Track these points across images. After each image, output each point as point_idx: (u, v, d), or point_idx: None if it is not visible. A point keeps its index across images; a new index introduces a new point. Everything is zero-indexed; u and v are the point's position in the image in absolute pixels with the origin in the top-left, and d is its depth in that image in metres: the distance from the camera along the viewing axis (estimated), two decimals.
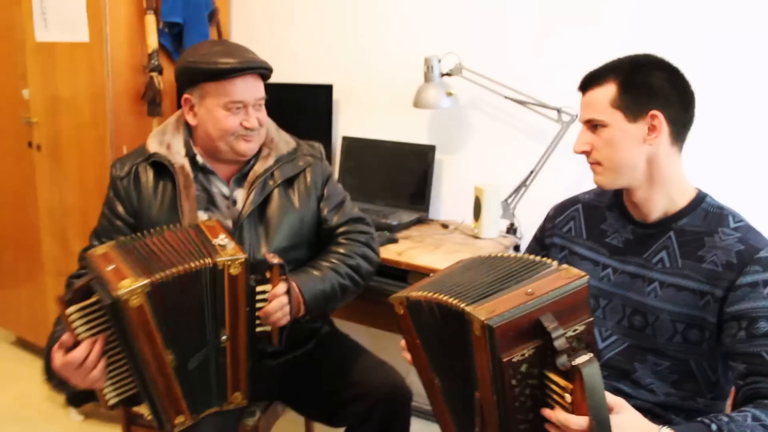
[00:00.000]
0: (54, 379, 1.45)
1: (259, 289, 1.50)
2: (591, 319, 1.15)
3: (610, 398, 1.11)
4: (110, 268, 1.36)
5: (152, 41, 2.61)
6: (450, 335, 1.21)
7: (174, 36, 2.74)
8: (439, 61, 2.41)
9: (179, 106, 1.76)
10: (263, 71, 1.69)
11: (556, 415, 1.10)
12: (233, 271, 1.42)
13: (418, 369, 1.35)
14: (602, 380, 1.07)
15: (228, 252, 1.43)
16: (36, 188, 2.86)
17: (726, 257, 1.30)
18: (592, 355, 1.09)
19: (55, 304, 1.63)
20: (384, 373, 1.77)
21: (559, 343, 1.08)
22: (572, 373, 1.08)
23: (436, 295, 1.21)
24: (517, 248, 2.36)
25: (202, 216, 1.68)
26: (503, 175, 2.46)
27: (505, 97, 2.35)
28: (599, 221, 1.50)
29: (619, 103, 1.32)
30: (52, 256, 2.90)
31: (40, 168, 2.82)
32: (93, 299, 1.35)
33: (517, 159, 2.45)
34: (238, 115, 1.65)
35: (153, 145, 1.72)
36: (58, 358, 1.36)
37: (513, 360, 1.10)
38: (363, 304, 2.16)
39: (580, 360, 1.06)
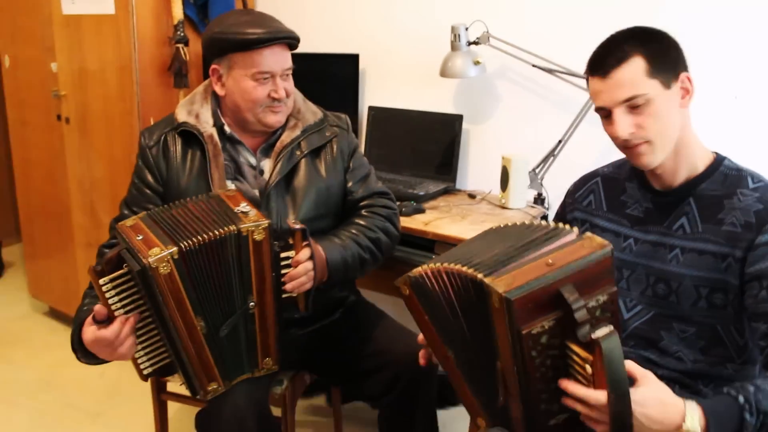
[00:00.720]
0: (81, 350, 1.49)
1: (282, 255, 1.53)
2: (615, 289, 1.14)
3: (636, 370, 1.11)
4: (139, 238, 1.40)
5: (177, 12, 2.63)
6: (463, 304, 1.22)
7: (199, 7, 2.76)
8: (466, 29, 2.40)
9: (206, 77, 1.78)
10: (291, 41, 1.69)
11: (575, 389, 1.11)
12: (257, 236, 1.45)
13: (431, 345, 1.36)
14: (622, 353, 1.06)
15: (251, 218, 1.46)
16: (65, 161, 2.92)
17: (745, 217, 1.29)
18: (612, 327, 1.07)
19: (85, 275, 1.68)
20: (410, 341, 1.78)
21: (580, 315, 1.07)
22: (592, 346, 1.07)
23: (451, 266, 1.20)
24: (545, 218, 2.37)
25: (230, 186, 1.71)
26: (531, 145, 2.46)
27: (533, 66, 2.34)
28: (619, 193, 1.49)
29: (653, 72, 1.27)
30: (82, 227, 2.96)
31: (69, 140, 2.87)
32: (124, 270, 1.38)
33: (545, 128, 2.45)
34: (265, 86, 1.67)
35: (182, 115, 1.74)
36: (90, 332, 1.40)
37: (532, 332, 1.09)
38: (390, 274, 2.18)
39: (599, 333, 1.05)
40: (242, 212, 1.47)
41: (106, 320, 1.39)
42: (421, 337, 1.37)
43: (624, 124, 1.30)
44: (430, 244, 2.12)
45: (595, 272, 1.11)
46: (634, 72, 1.27)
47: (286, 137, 1.75)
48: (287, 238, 1.56)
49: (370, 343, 1.80)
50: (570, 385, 1.12)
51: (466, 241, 1.39)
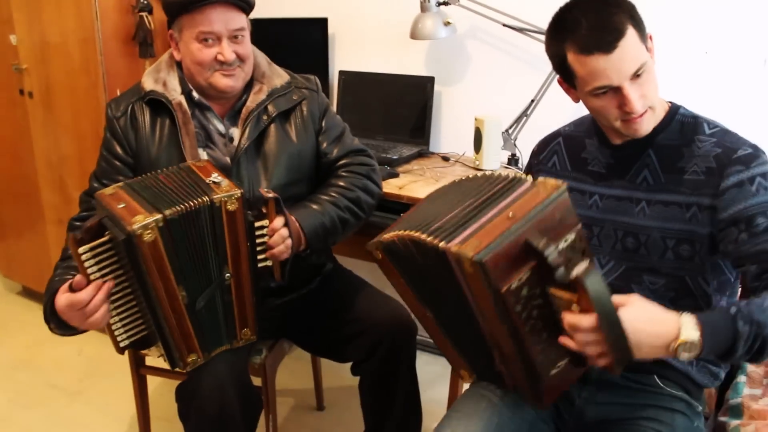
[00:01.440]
0: (54, 321, 1.48)
1: (257, 224, 1.53)
2: (579, 225, 1.16)
3: (620, 297, 1.13)
4: (121, 206, 1.39)
5: None
6: (432, 268, 1.23)
7: None
8: None
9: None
10: (234, 1, 1.63)
11: (566, 318, 1.13)
12: (230, 207, 1.45)
13: (409, 305, 1.39)
14: (605, 283, 1.08)
15: (223, 189, 1.46)
16: (31, 137, 2.88)
17: (705, 164, 1.31)
18: (588, 261, 1.11)
19: (58, 253, 1.68)
20: (388, 307, 1.81)
21: (552, 258, 1.09)
22: (574, 285, 1.10)
23: (410, 233, 1.21)
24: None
25: (202, 154, 1.70)
26: (503, 105, 2.47)
27: (504, 25, 2.34)
28: (579, 150, 1.50)
29: (641, 39, 1.27)
30: (51, 204, 2.94)
31: (34, 116, 2.84)
32: (104, 238, 1.37)
33: (517, 88, 2.45)
34: (212, 48, 1.64)
35: (148, 83, 1.72)
36: (63, 298, 1.39)
37: (512, 287, 1.10)
38: (365, 240, 2.20)
39: (578, 270, 1.08)
40: (214, 182, 1.47)
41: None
42: None
43: (636, 96, 1.27)
44: (405, 208, 2.11)
45: (555, 214, 1.13)
46: (633, 43, 1.25)
47: (252, 102, 1.73)
48: (260, 206, 1.56)
49: (349, 310, 1.82)
50: (563, 339, 1.14)
51: (426, 197, 1.40)
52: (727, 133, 1.34)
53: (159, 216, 1.37)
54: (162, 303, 1.43)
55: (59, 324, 1.48)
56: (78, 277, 1.38)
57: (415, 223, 1.24)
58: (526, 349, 1.17)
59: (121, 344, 1.50)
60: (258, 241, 1.54)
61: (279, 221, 1.55)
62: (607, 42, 1.23)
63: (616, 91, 1.28)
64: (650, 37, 1.31)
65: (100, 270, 1.39)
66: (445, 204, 1.27)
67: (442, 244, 1.13)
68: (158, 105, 1.71)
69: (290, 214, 1.63)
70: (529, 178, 1.19)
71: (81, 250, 1.35)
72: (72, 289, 1.39)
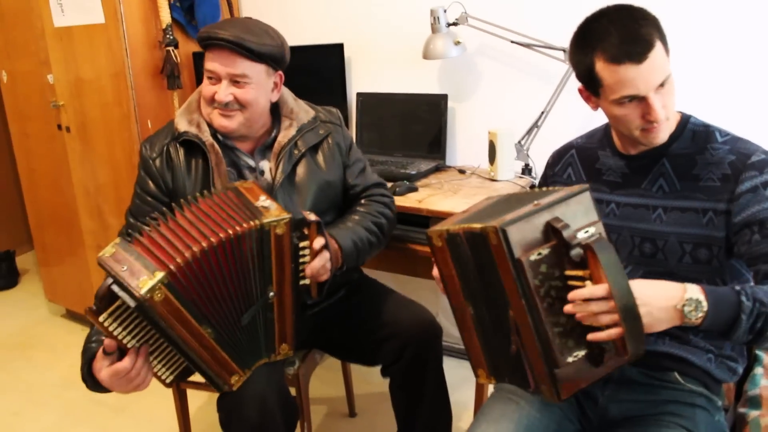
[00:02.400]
0: (90, 381, 1.48)
1: (300, 245, 1.54)
2: (600, 222, 1.19)
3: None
4: (124, 269, 1.33)
5: (165, 16, 2.62)
6: (479, 260, 1.25)
7: (186, 9, 2.75)
8: (445, 11, 2.41)
9: (197, 78, 1.78)
10: (235, 48, 1.60)
11: (577, 293, 1.14)
12: (279, 231, 1.45)
13: (452, 298, 1.39)
14: (614, 249, 1.11)
15: (272, 213, 1.45)
16: (69, 168, 2.92)
17: (720, 171, 1.31)
18: (601, 233, 1.15)
19: (98, 277, 1.67)
20: (414, 311, 1.82)
21: (569, 235, 1.13)
22: (586, 257, 1.13)
23: (464, 225, 1.26)
24: (533, 187, 2.39)
25: None
26: (515, 118, 2.47)
27: (512, 42, 2.35)
28: (593, 162, 1.50)
29: (666, 51, 1.28)
30: (90, 231, 2.98)
31: (71, 148, 2.88)
32: (118, 302, 1.34)
33: (527, 101, 2.46)
34: (214, 86, 1.65)
35: (182, 124, 1.72)
36: (104, 369, 1.39)
37: (531, 258, 1.14)
38: (388, 252, 2.21)
39: (591, 239, 1.13)
40: (263, 206, 1.47)
41: (117, 351, 1.38)
42: (441, 286, 1.40)
43: (659, 105, 1.28)
44: (425, 221, 2.13)
45: (576, 206, 1.19)
46: (661, 55, 1.26)
47: (283, 137, 1.75)
48: (300, 226, 1.56)
49: (377, 316, 1.83)
50: (573, 294, 1.15)
51: (485, 204, 1.44)
52: (739, 140, 1.34)
53: (162, 274, 1.32)
54: (191, 345, 1.41)
55: (96, 385, 1.47)
56: (107, 341, 1.37)
57: (470, 219, 1.30)
58: (543, 329, 1.18)
59: (167, 381, 1.50)
60: (300, 260, 1.56)
61: (319, 242, 1.57)
62: (638, 53, 1.24)
63: (641, 100, 1.28)
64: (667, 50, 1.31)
65: (125, 329, 1.37)
66: (495, 207, 1.34)
67: (479, 225, 1.20)
68: (192, 145, 1.72)
69: (327, 233, 1.64)
70: (561, 187, 1.27)
71: (101, 319, 1.33)
72: (106, 353, 1.38)
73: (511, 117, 2.51)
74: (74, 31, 2.66)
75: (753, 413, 1.40)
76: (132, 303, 1.30)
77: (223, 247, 1.40)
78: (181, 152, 1.73)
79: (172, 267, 1.33)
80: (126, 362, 1.37)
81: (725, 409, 1.46)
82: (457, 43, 2.43)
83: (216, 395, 1.66)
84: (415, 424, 1.87)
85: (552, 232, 1.16)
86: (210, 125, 1.72)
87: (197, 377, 1.90)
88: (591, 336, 1.15)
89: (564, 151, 1.60)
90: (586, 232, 1.17)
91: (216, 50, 1.62)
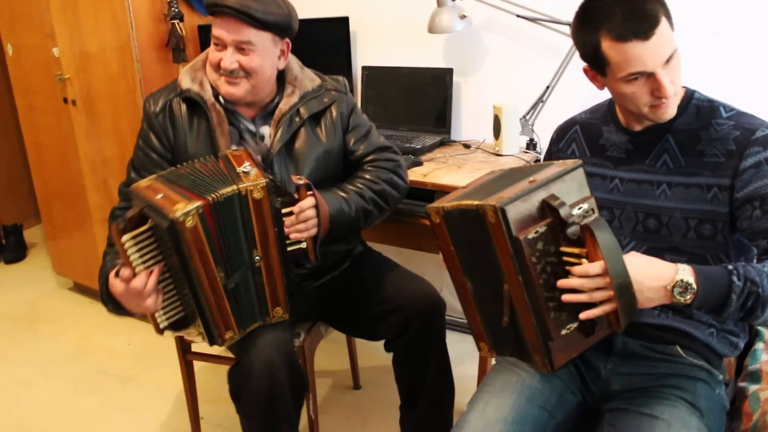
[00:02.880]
0: (111, 303, 1.55)
1: (285, 210, 1.55)
2: (593, 198, 1.22)
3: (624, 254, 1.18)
4: (159, 196, 1.42)
5: None
6: (475, 236, 1.26)
7: None
8: None
9: (202, 51, 1.77)
10: (240, 15, 1.59)
11: (574, 271, 1.17)
12: (256, 195, 1.47)
13: (452, 274, 1.40)
14: (611, 230, 1.14)
15: (250, 178, 1.48)
16: (76, 142, 2.92)
17: (725, 147, 1.30)
18: (595, 212, 1.18)
19: (103, 250, 1.71)
20: (418, 285, 1.82)
21: (565, 213, 1.16)
22: (583, 236, 1.15)
23: (461, 202, 1.27)
24: (537, 161, 2.38)
25: None
26: (520, 93, 2.45)
27: (517, 16, 2.32)
28: (597, 137, 1.50)
29: (671, 26, 1.26)
30: (97, 205, 2.99)
31: (78, 122, 2.88)
32: (145, 227, 1.41)
33: (532, 76, 2.44)
34: (220, 53, 1.65)
35: (186, 81, 1.73)
36: (118, 285, 1.45)
37: (528, 237, 1.16)
38: (392, 226, 2.21)
39: (588, 220, 1.15)
40: (243, 172, 1.50)
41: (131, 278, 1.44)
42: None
43: (668, 81, 1.26)
44: (430, 195, 2.13)
45: (570, 182, 1.21)
46: (666, 30, 1.24)
47: (284, 104, 1.74)
48: (291, 193, 1.58)
49: (381, 290, 1.83)
50: (566, 281, 1.18)
51: (474, 182, 1.45)
52: (743, 115, 1.33)
53: (199, 203, 1.40)
54: (203, 284, 1.46)
55: (116, 305, 1.54)
56: (123, 270, 1.43)
57: (465, 195, 1.31)
58: (539, 303, 1.21)
59: (161, 326, 1.53)
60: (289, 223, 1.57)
61: (309, 201, 1.57)
62: (644, 29, 1.22)
63: (648, 76, 1.27)
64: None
65: (141, 257, 1.43)
66: (490, 184, 1.34)
67: (475, 202, 1.21)
68: (194, 103, 1.72)
69: (320, 195, 1.65)
70: (555, 162, 1.27)
71: (124, 238, 1.39)
72: (119, 277, 1.44)
73: (516, 92, 2.50)
74: (79, 4, 2.64)
75: (753, 387, 1.41)
76: (164, 224, 1.36)
77: (221, 205, 1.45)
78: (184, 108, 1.73)
79: (208, 199, 1.42)
80: (137, 281, 1.42)
81: (726, 384, 1.46)
82: (463, 17, 2.41)
83: (223, 368, 1.68)
84: (419, 398, 1.88)
85: (548, 209, 1.18)
86: (217, 90, 1.71)
87: (200, 347, 1.93)
88: (584, 314, 1.18)
89: (568, 126, 1.59)
90: (580, 208, 1.19)
91: (222, 17, 1.61)
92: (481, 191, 1.30)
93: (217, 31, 1.63)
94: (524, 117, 2.35)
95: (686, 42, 2.14)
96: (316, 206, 1.59)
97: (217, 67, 1.66)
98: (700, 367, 1.37)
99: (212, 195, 1.43)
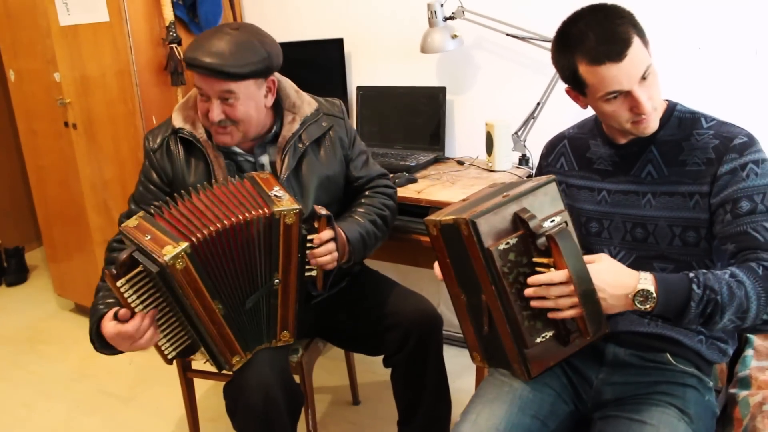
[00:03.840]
0: (98, 341, 1.54)
1: (309, 237, 1.58)
2: (565, 211, 1.26)
3: (589, 256, 1.23)
4: (148, 237, 1.41)
5: (168, 14, 2.65)
6: (459, 249, 1.29)
7: (188, 6, 2.78)
8: (442, 5, 2.42)
9: None
10: (212, 74, 1.58)
11: (537, 278, 1.21)
12: (288, 220, 1.49)
13: (448, 285, 1.43)
14: (574, 238, 1.19)
15: (284, 203, 1.50)
16: (76, 165, 2.95)
17: (705, 155, 1.34)
18: (563, 224, 1.21)
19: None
20: (416, 302, 1.85)
21: (534, 225, 1.21)
22: (549, 245, 1.20)
23: (447, 217, 1.31)
24: (530, 176, 2.41)
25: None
26: (512, 109, 2.49)
27: (507, 35, 2.37)
28: (584, 151, 1.53)
29: (644, 44, 1.29)
30: (98, 227, 3.01)
31: (78, 145, 2.91)
32: (138, 269, 1.41)
33: (523, 93, 2.48)
34: (206, 104, 1.65)
35: (178, 121, 1.74)
36: (111, 327, 1.46)
37: (500, 248, 1.21)
38: (389, 242, 2.22)
39: (553, 229, 1.19)
40: (276, 196, 1.52)
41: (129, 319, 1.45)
42: (440, 274, 1.43)
43: (645, 98, 1.30)
44: (424, 211, 2.16)
45: (542, 197, 1.26)
46: (639, 49, 1.27)
47: (287, 131, 1.76)
48: (310, 220, 1.61)
49: (379, 306, 1.85)
50: (534, 278, 1.22)
51: (471, 196, 1.47)
52: (723, 124, 1.37)
53: (186, 244, 1.40)
54: (202, 318, 1.47)
55: (104, 344, 1.54)
56: (122, 311, 1.44)
57: (457, 209, 1.34)
58: (512, 312, 1.25)
59: (169, 356, 1.55)
60: (307, 252, 1.60)
61: (327, 234, 1.61)
62: (617, 52, 1.25)
63: (626, 95, 1.30)
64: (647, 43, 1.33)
65: (139, 297, 1.44)
66: (471, 201, 1.38)
67: (452, 217, 1.26)
68: (189, 142, 1.74)
69: (337, 226, 1.68)
70: (533, 178, 1.31)
71: (119, 284, 1.39)
72: (117, 320, 1.45)
73: (507, 109, 2.53)
74: (79, 30, 2.69)
75: (743, 393, 1.42)
76: (154, 269, 1.37)
77: (234, 230, 1.47)
78: (181, 147, 1.75)
79: (194, 239, 1.42)
80: (132, 325, 1.43)
81: (718, 390, 1.48)
82: (454, 36, 2.45)
83: (222, 384, 1.70)
84: (416, 413, 1.89)
85: (520, 222, 1.23)
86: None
87: (200, 365, 1.95)
88: (551, 314, 1.23)
89: (556, 141, 1.62)
90: (552, 221, 1.24)
91: (199, 73, 1.61)
92: (468, 206, 1.33)
93: (198, 83, 1.64)
94: (516, 133, 2.39)
95: (671, 57, 2.18)
96: (334, 238, 1.62)
97: (206, 117, 1.67)
98: (689, 373, 1.39)
99: (211, 228, 1.44)
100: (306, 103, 1.82)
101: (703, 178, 1.33)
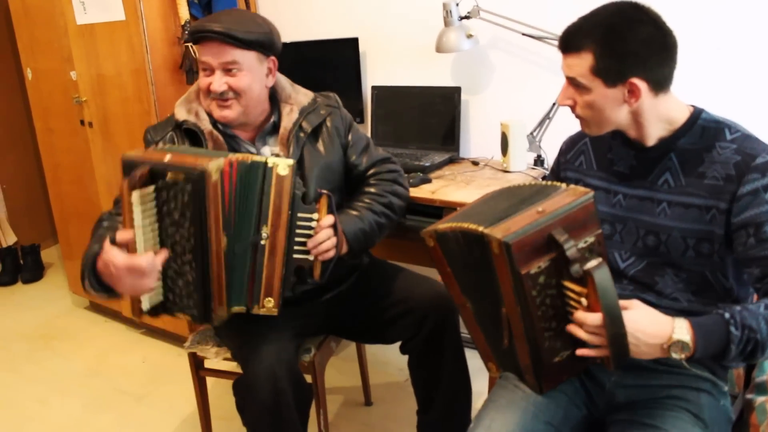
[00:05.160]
0: (92, 279, 1.48)
1: (306, 215, 1.58)
2: (600, 231, 1.22)
3: (623, 301, 1.19)
4: (170, 157, 1.41)
5: (183, 13, 2.66)
6: (474, 259, 1.28)
7: (204, 5, 2.79)
8: (457, 4, 2.42)
9: None
10: (220, 37, 1.63)
11: (576, 314, 1.20)
12: (281, 171, 1.51)
13: (452, 295, 1.43)
14: (612, 280, 1.14)
15: (280, 158, 1.53)
16: (92, 163, 2.98)
17: (725, 170, 1.30)
18: (601, 259, 1.16)
19: None
20: (428, 285, 1.85)
21: (571, 253, 1.16)
22: (585, 278, 1.16)
23: (459, 224, 1.28)
24: (545, 178, 2.39)
25: None
26: (527, 110, 2.48)
27: (523, 34, 2.36)
28: (606, 151, 1.51)
29: (597, 71, 1.29)
30: None
31: (94, 143, 2.93)
32: (154, 187, 1.40)
33: (539, 93, 2.46)
34: (209, 78, 1.69)
35: (181, 113, 1.76)
36: (119, 257, 1.35)
37: (531, 272, 1.18)
38: (400, 242, 2.23)
39: (590, 264, 1.14)
40: (274, 154, 1.54)
41: (124, 249, 1.37)
42: None
43: (565, 94, 1.39)
44: (439, 211, 2.15)
45: (580, 216, 1.21)
46: (581, 65, 1.31)
47: (287, 122, 1.78)
48: (311, 197, 1.62)
49: (391, 294, 1.86)
50: (570, 327, 1.21)
51: (475, 201, 1.46)
52: (747, 138, 1.33)
53: (223, 160, 1.44)
54: (212, 247, 1.45)
55: (98, 283, 1.47)
56: (121, 233, 1.37)
57: (466, 216, 1.31)
58: (535, 333, 1.23)
59: (143, 308, 1.48)
60: (306, 232, 1.59)
61: (328, 219, 1.61)
62: (564, 47, 1.37)
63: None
64: (635, 85, 1.31)
65: (146, 217, 1.40)
66: (494, 204, 1.35)
67: (481, 229, 1.22)
68: (193, 135, 1.75)
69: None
70: (563, 185, 1.28)
71: (134, 195, 1.36)
72: (113, 242, 1.38)
73: (523, 109, 2.52)
74: (96, 29, 2.71)
75: (760, 399, 1.41)
76: (194, 174, 1.37)
77: (240, 170, 1.49)
78: (186, 141, 1.76)
79: (231, 159, 1.46)
80: (145, 259, 1.36)
81: (733, 396, 1.46)
82: (470, 36, 2.45)
83: (231, 384, 1.70)
84: (435, 398, 1.89)
85: (554, 244, 1.19)
86: (211, 116, 1.75)
87: (213, 364, 1.95)
88: (580, 351, 1.22)
89: (578, 138, 1.61)
90: (586, 242, 1.21)
91: (206, 43, 1.66)
92: (483, 213, 1.31)
93: (203, 57, 1.68)
94: (531, 134, 2.37)
95: (688, 58, 2.16)
96: (335, 225, 1.62)
97: (208, 91, 1.70)
98: (704, 378, 1.38)
99: (232, 157, 1.47)
100: (302, 94, 1.85)
101: (721, 195, 1.31)
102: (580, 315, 1.19)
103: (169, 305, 1.53)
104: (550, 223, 1.18)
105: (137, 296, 1.45)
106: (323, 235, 1.60)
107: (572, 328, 1.23)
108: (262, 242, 1.55)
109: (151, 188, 1.40)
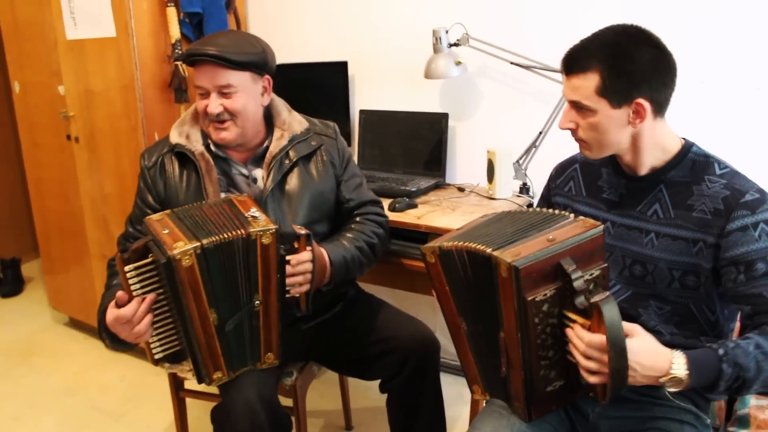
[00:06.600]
0: (107, 336, 1.56)
1: (288, 258, 1.56)
2: (606, 265, 1.22)
3: (625, 325, 1.18)
4: (165, 231, 1.45)
5: (174, 31, 2.65)
6: (477, 280, 1.27)
7: (195, 25, 2.78)
8: (447, 32, 2.43)
9: None
10: (214, 60, 1.64)
11: (579, 334, 1.19)
12: (265, 240, 1.48)
13: (446, 314, 1.41)
14: (620, 314, 1.14)
15: (260, 224, 1.49)
16: (77, 178, 2.94)
17: (713, 204, 1.31)
18: (608, 293, 1.16)
19: (102, 286, 1.73)
20: (413, 326, 1.83)
21: (578, 284, 1.16)
22: (591, 310, 1.16)
23: (465, 244, 1.28)
24: (530, 206, 2.40)
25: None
26: (514, 138, 2.48)
27: (511, 63, 2.37)
28: (596, 178, 1.51)
29: (603, 92, 1.30)
30: (96, 241, 2.99)
31: (79, 159, 2.90)
32: (148, 259, 1.44)
33: (526, 121, 2.47)
34: (205, 100, 1.70)
35: (174, 137, 1.78)
36: (111, 313, 1.46)
37: (536, 299, 1.17)
38: (386, 267, 2.21)
39: (598, 297, 1.13)
40: (252, 217, 1.52)
41: (126, 304, 1.45)
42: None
43: (567, 117, 1.39)
44: (424, 237, 2.14)
45: (589, 248, 1.21)
46: (587, 87, 1.31)
47: (275, 147, 1.78)
48: (290, 239, 1.60)
49: (375, 331, 1.83)
50: (571, 331, 1.20)
51: (474, 223, 1.45)
52: (735, 175, 1.34)
53: (197, 244, 1.42)
54: (194, 322, 1.47)
55: (112, 338, 1.54)
56: (120, 293, 1.45)
57: (471, 237, 1.31)
58: (530, 361, 1.22)
59: (156, 357, 1.54)
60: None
61: (305, 255, 1.60)
62: (568, 68, 1.38)
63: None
64: (641, 105, 1.32)
65: (142, 287, 1.46)
66: (500, 227, 1.34)
67: (489, 250, 1.21)
68: (184, 156, 1.76)
69: (320, 247, 1.67)
70: (572, 215, 1.28)
71: (127, 268, 1.43)
72: (117, 305, 1.45)
73: (509, 137, 2.53)
74: (86, 44, 2.69)
75: None
76: (162, 259, 1.39)
77: (222, 247, 1.46)
78: (176, 163, 1.77)
79: (204, 242, 1.44)
80: (128, 309, 1.44)
81: (715, 428, 1.46)
82: (458, 63, 2.46)
83: (212, 406, 1.67)
84: None
85: (561, 274, 1.19)
86: (209, 138, 1.76)
87: (194, 385, 1.92)
88: (584, 374, 1.21)
89: (567, 164, 1.61)
90: (591, 274, 1.21)
91: (201, 66, 1.68)
92: (490, 234, 1.30)
93: (198, 80, 1.69)
94: (517, 161, 2.38)
95: (676, 91, 2.18)
96: (312, 260, 1.61)
97: (205, 114, 1.70)
98: (687, 410, 1.37)
99: (215, 237, 1.45)
100: (296, 121, 1.85)
101: (709, 228, 1.31)
102: (585, 334, 1.18)
103: (184, 356, 1.57)
104: (560, 252, 1.19)
105: (144, 345, 1.52)
106: (299, 269, 1.60)
107: (573, 350, 1.21)
108: (256, 309, 1.54)
109: (147, 260, 1.45)
